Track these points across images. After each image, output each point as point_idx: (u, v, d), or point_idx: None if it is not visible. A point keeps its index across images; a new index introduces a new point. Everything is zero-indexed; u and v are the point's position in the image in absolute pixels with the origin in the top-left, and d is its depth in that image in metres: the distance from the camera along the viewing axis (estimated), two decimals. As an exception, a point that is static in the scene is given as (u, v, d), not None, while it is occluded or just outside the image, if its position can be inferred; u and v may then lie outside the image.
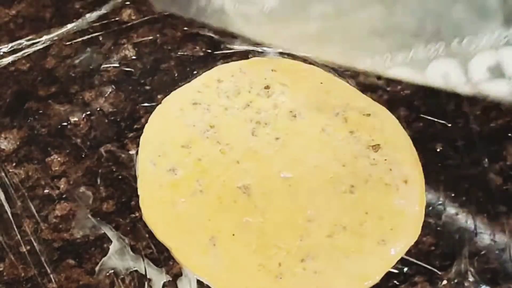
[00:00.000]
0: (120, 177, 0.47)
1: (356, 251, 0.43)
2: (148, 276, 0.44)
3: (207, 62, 0.53)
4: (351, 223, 0.44)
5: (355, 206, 0.45)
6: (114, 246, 0.45)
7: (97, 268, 0.44)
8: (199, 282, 0.43)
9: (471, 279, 0.43)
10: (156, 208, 0.45)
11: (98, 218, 0.46)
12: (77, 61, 0.53)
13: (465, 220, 0.45)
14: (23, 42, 0.54)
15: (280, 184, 0.46)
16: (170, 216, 0.45)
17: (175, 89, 0.51)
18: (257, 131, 0.48)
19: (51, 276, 0.44)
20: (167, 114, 0.49)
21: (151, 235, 0.45)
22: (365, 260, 0.43)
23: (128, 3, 0.56)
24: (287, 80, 0.50)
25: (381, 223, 0.44)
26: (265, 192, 0.45)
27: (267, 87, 0.50)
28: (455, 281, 0.43)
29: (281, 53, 0.53)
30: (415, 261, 0.44)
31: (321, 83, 0.51)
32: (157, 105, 0.50)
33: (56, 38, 0.54)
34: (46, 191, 0.47)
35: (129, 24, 0.55)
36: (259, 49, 0.53)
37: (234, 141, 0.47)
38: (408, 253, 0.44)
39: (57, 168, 0.48)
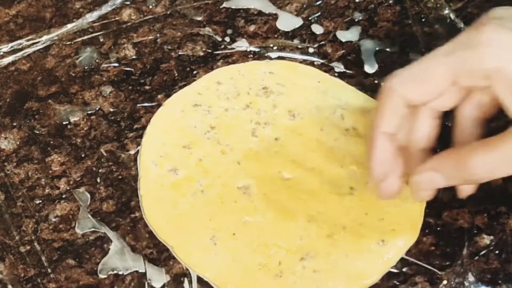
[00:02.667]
0: (120, 177, 0.47)
1: (356, 251, 0.43)
2: (148, 276, 0.44)
3: (207, 62, 0.53)
4: (350, 223, 0.44)
5: (355, 207, 0.45)
6: (114, 246, 0.45)
7: (97, 268, 0.44)
8: (199, 282, 0.43)
9: (471, 279, 0.43)
10: (157, 208, 0.45)
11: (98, 218, 0.46)
12: (77, 61, 0.53)
13: (465, 220, 0.45)
14: (23, 42, 0.54)
15: (280, 184, 0.46)
16: (171, 216, 0.45)
17: (175, 89, 0.51)
18: (257, 131, 0.48)
19: (51, 276, 0.44)
20: (169, 115, 0.49)
21: (151, 235, 0.45)
22: (364, 259, 0.43)
23: (128, 3, 0.56)
24: (285, 80, 0.51)
25: (381, 224, 0.44)
26: (265, 193, 0.45)
27: (265, 88, 0.50)
28: (455, 281, 0.43)
29: (279, 56, 0.53)
30: (415, 261, 0.44)
31: (318, 82, 0.51)
32: (157, 105, 0.50)
33: (56, 38, 0.54)
34: (46, 191, 0.47)
35: (129, 24, 0.55)
36: (258, 50, 0.53)
37: (234, 142, 0.47)
38: (408, 253, 0.44)
39: (57, 168, 0.48)
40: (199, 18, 0.55)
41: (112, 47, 0.54)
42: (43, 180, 0.47)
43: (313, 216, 0.44)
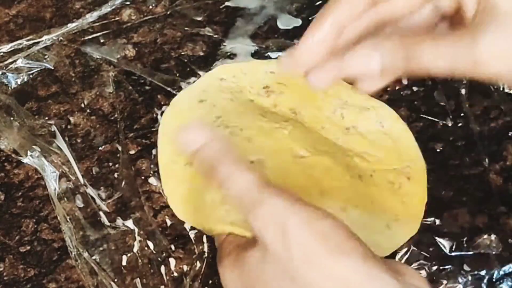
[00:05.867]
0: (120, 177, 0.47)
1: (368, 228, 0.43)
2: (148, 276, 0.44)
3: (207, 62, 0.53)
4: (363, 201, 0.44)
5: (364, 193, 0.45)
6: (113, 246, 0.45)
7: (97, 268, 0.44)
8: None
9: (470, 279, 0.43)
10: (184, 203, 0.45)
11: (98, 219, 0.46)
12: (77, 61, 0.53)
13: (465, 220, 0.45)
14: (23, 42, 0.54)
15: (291, 161, 0.45)
16: (200, 206, 0.44)
17: (175, 89, 0.51)
18: (265, 115, 0.48)
19: (51, 276, 0.44)
20: (178, 113, 0.49)
21: (152, 235, 0.45)
22: (374, 237, 0.43)
23: (128, 3, 0.56)
24: (286, 80, 0.51)
25: (385, 214, 0.44)
26: (278, 168, 0.44)
27: (266, 87, 0.50)
28: (455, 281, 0.43)
29: (279, 56, 0.53)
30: (415, 260, 0.44)
31: None
32: (158, 105, 0.50)
33: (56, 38, 0.54)
34: (46, 191, 0.47)
35: (129, 24, 0.55)
36: (258, 50, 0.53)
37: (243, 123, 0.47)
38: (408, 252, 0.44)
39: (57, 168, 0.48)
40: (199, 18, 0.55)
41: (112, 47, 0.54)
42: (43, 180, 0.47)
43: (326, 191, 0.44)
